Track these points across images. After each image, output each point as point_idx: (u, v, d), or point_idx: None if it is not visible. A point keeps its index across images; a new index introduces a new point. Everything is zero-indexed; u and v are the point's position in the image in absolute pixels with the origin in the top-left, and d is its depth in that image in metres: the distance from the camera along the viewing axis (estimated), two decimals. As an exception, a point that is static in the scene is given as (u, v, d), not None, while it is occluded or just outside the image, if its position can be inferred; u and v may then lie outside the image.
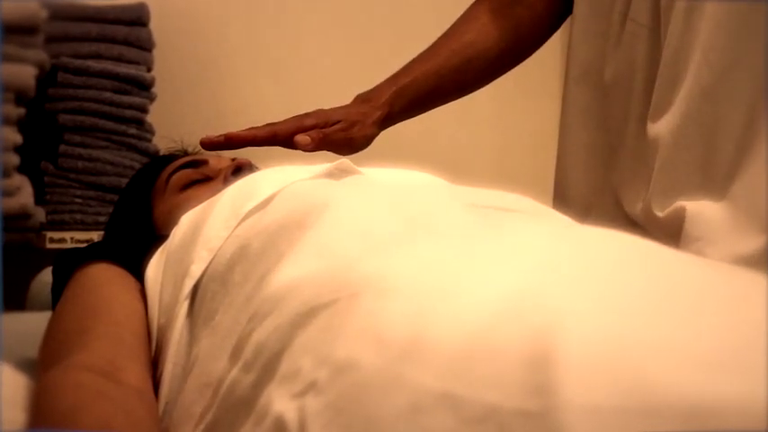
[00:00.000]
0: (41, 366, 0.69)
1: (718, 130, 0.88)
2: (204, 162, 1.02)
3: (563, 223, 0.74)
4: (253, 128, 0.96)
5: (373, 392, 0.45)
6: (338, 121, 0.98)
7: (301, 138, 0.93)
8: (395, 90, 1.02)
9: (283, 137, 0.95)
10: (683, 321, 0.42)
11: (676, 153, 0.90)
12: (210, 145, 0.94)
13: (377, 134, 1.01)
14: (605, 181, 1.00)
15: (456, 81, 1.07)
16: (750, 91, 0.87)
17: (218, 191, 0.79)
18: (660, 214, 0.91)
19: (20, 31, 1.43)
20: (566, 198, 1.05)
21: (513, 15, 1.06)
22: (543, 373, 0.40)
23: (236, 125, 0.97)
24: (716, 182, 0.88)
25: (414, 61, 1.06)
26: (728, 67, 0.87)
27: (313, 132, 0.94)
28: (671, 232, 0.87)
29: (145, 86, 1.66)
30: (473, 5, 1.09)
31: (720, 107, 0.88)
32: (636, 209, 0.94)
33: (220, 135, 0.94)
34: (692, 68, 0.88)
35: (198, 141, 1.15)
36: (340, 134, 0.97)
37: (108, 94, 1.62)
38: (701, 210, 0.88)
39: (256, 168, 0.96)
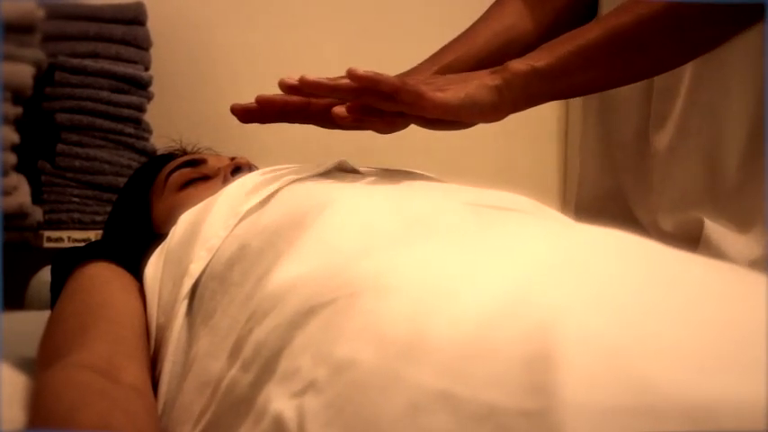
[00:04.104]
0: (40, 365, 0.69)
1: (719, 142, 0.88)
2: (203, 161, 1.02)
3: (562, 222, 0.74)
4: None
5: (372, 392, 0.45)
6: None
7: (339, 109, 0.78)
8: (435, 70, 0.94)
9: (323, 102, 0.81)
10: (682, 320, 0.42)
11: (676, 166, 0.91)
12: (242, 112, 0.84)
13: None
14: (617, 188, 1.00)
15: (496, 63, 1.03)
16: (751, 105, 0.87)
17: (217, 190, 0.79)
18: (668, 229, 0.91)
19: (17, 29, 1.43)
20: (580, 200, 1.05)
21: (550, 1, 1.03)
22: (542, 373, 0.40)
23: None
24: (721, 195, 0.88)
25: (454, 41, 1.01)
26: (723, 80, 0.87)
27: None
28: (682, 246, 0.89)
29: (142, 85, 1.66)
30: None
31: (718, 120, 0.89)
32: (645, 220, 0.94)
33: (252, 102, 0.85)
34: (684, 82, 0.88)
35: (195, 140, 1.16)
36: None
37: (105, 93, 1.62)
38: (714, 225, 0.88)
39: (255, 168, 0.96)
